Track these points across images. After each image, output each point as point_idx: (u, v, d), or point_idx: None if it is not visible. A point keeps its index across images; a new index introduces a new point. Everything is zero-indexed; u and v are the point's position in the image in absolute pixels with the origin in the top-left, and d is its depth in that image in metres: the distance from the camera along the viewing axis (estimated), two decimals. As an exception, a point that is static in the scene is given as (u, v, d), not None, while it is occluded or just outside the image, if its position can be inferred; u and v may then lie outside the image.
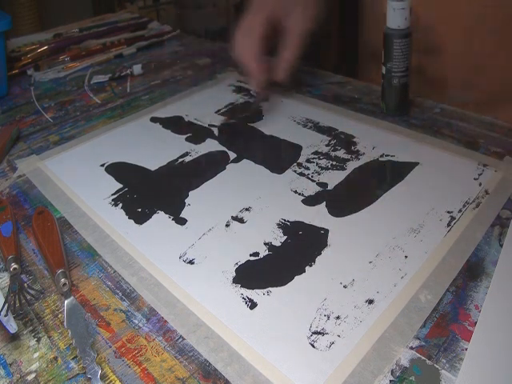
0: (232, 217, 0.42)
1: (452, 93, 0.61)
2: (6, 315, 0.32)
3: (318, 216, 0.41)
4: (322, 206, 0.42)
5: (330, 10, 0.65)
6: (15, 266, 0.37)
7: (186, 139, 0.55)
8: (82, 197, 0.46)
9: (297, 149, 0.51)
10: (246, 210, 0.43)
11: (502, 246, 0.36)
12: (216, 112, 0.60)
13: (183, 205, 0.44)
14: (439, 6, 0.58)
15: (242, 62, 0.58)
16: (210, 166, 0.49)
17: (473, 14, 0.57)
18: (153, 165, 0.50)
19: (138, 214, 0.43)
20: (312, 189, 0.44)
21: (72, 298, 0.35)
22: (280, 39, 0.58)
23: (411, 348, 0.30)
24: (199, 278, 0.36)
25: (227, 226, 0.41)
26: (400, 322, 0.31)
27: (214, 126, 0.57)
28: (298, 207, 0.42)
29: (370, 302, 0.33)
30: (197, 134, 0.56)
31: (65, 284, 0.35)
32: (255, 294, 0.34)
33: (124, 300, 0.35)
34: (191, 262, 0.37)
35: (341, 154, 0.49)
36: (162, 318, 0.33)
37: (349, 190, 0.44)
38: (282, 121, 0.57)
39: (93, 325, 0.33)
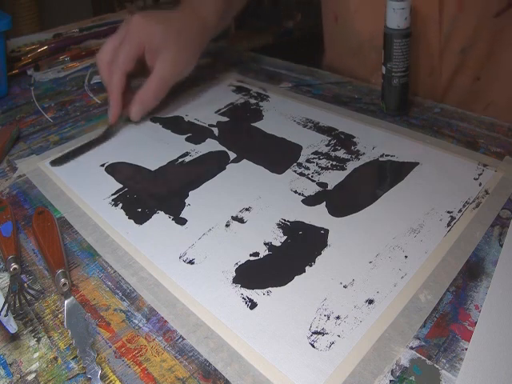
0: (232, 217, 0.42)
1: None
2: (6, 315, 0.32)
3: (318, 216, 0.41)
4: (322, 206, 0.42)
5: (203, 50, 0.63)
6: (15, 265, 0.37)
7: (186, 139, 0.55)
8: (82, 197, 0.46)
9: (297, 149, 0.51)
10: (246, 209, 0.43)
11: (502, 245, 0.36)
12: (216, 112, 0.60)
13: (183, 205, 0.44)
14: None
15: (107, 90, 0.57)
16: (210, 166, 0.49)
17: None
18: (153, 165, 0.50)
19: (138, 213, 0.43)
20: (312, 189, 0.44)
21: (72, 298, 0.35)
22: (144, 73, 0.57)
23: (411, 348, 0.30)
24: (199, 277, 0.36)
25: (227, 226, 0.41)
26: (400, 321, 0.31)
27: (213, 125, 0.57)
28: (298, 207, 0.42)
29: (370, 302, 0.33)
30: (197, 134, 0.56)
31: (65, 284, 0.35)
32: (255, 294, 0.34)
33: (124, 300, 0.35)
34: (191, 262, 0.37)
35: (341, 154, 0.49)
36: (162, 318, 0.33)
37: (349, 190, 0.44)
38: (282, 121, 0.57)
39: (93, 325, 0.33)
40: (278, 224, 0.41)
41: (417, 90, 0.62)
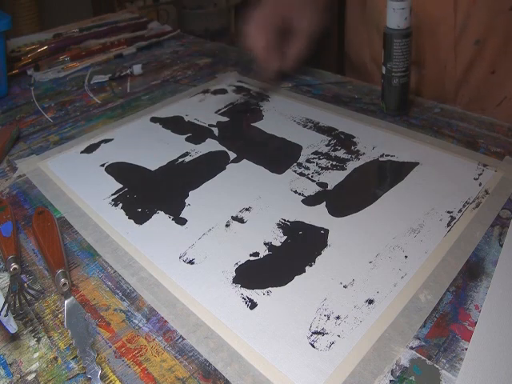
0: (232, 217, 0.42)
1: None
2: (6, 315, 0.32)
3: (318, 216, 0.41)
4: (322, 206, 0.42)
5: (333, 15, 0.72)
6: (15, 266, 0.37)
7: (186, 139, 0.55)
8: (82, 197, 0.46)
9: (297, 149, 0.51)
10: (246, 209, 0.43)
11: (502, 245, 0.36)
12: (216, 112, 0.60)
13: (183, 205, 0.44)
14: (425, 16, 0.59)
15: (256, 52, 0.62)
16: (210, 166, 0.49)
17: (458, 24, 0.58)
18: (153, 165, 0.50)
19: (138, 213, 0.43)
20: (312, 189, 0.44)
21: (72, 298, 0.35)
22: (287, 35, 0.64)
23: (411, 348, 0.30)
24: (199, 278, 0.36)
25: (227, 226, 0.41)
26: (400, 321, 0.31)
27: (213, 125, 0.57)
28: (298, 207, 0.42)
29: (370, 302, 0.33)
30: (197, 134, 0.56)
31: (65, 284, 0.35)
32: (255, 294, 0.34)
33: (124, 300, 0.35)
34: (191, 262, 0.37)
35: (341, 154, 0.49)
36: (162, 318, 0.33)
37: (349, 190, 0.44)
38: (282, 121, 0.57)
39: (93, 325, 0.33)
40: (278, 224, 0.41)
41: (431, 83, 0.62)
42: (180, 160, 0.51)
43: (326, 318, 0.32)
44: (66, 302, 0.34)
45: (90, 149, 0.55)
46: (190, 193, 0.46)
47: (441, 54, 0.60)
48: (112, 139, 0.56)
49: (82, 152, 0.54)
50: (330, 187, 0.45)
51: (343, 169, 0.47)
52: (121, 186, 0.48)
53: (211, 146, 0.53)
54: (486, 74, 0.61)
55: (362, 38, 0.74)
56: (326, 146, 0.51)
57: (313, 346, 0.30)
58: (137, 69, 0.75)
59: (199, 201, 0.44)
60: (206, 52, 0.83)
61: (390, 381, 0.28)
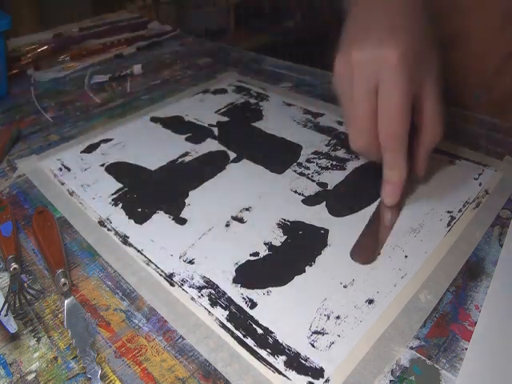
0: (232, 217, 0.42)
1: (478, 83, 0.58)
2: (5, 315, 0.32)
3: (318, 216, 0.41)
4: (322, 206, 0.42)
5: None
6: (15, 266, 0.37)
7: (186, 139, 0.55)
8: (82, 197, 0.46)
9: (297, 149, 0.51)
10: (246, 209, 0.43)
11: (502, 246, 0.36)
12: (216, 112, 0.60)
13: (183, 205, 0.44)
14: None
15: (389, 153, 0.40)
16: (210, 166, 0.49)
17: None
18: (153, 165, 0.50)
19: (138, 213, 0.43)
20: (312, 189, 0.44)
21: (72, 297, 0.35)
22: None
23: (411, 348, 0.30)
24: (199, 277, 0.36)
25: (227, 225, 0.41)
26: (400, 321, 0.31)
27: (213, 125, 0.57)
28: (298, 207, 0.42)
29: (370, 301, 0.33)
30: (197, 134, 0.56)
31: (65, 284, 0.35)
32: (255, 294, 0.34)
33: (124, 300, 0.35)
34: (191, 262, 0.37)
35: (341, 153, 0.49)
36: (162, 317, 0.33)
37: (349, 190, 0.44)
38: (282, 121, 0.57)
39: (93, 325, 0.33)
40: (278, 224, 0.41)
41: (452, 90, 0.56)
42: (180, 160, 0.51)
43: (326, 317, 0.32)
44: (66, 301, 0.34)
45: (90, 149, 0.55)
46: (190, 193, 0.46)
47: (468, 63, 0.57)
48: (112, 139, 0.56)
49: (81, 152, 0.54)
50: (329, 187, 0.45)
51: (343, 169, 0.47)
52: (121, 185, 0.48)
53: (211, 145, 0.53)
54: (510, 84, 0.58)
55: None
56: (326, 145, 0.51)
57: (313, 346, 0.30)
58: (137, 69, 0.75)
59: (199, 201, 0.44)
60: (206, 52, 0.83)
61: (390, 381, 0.28)
